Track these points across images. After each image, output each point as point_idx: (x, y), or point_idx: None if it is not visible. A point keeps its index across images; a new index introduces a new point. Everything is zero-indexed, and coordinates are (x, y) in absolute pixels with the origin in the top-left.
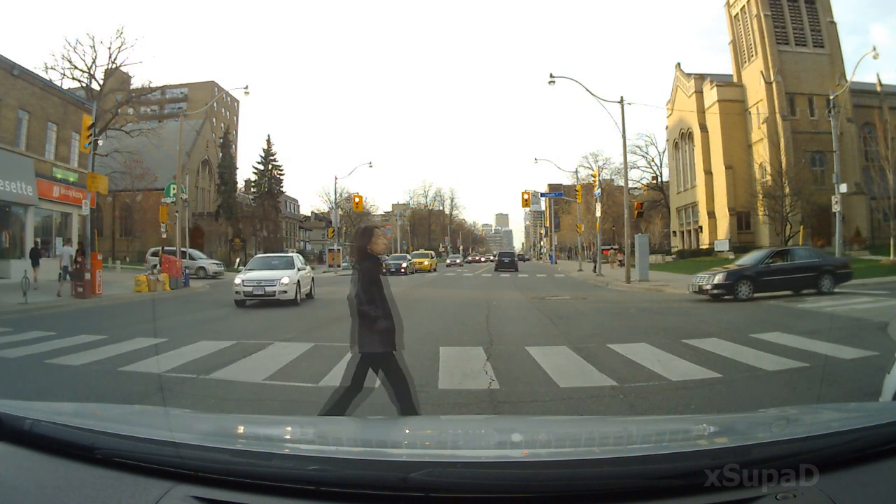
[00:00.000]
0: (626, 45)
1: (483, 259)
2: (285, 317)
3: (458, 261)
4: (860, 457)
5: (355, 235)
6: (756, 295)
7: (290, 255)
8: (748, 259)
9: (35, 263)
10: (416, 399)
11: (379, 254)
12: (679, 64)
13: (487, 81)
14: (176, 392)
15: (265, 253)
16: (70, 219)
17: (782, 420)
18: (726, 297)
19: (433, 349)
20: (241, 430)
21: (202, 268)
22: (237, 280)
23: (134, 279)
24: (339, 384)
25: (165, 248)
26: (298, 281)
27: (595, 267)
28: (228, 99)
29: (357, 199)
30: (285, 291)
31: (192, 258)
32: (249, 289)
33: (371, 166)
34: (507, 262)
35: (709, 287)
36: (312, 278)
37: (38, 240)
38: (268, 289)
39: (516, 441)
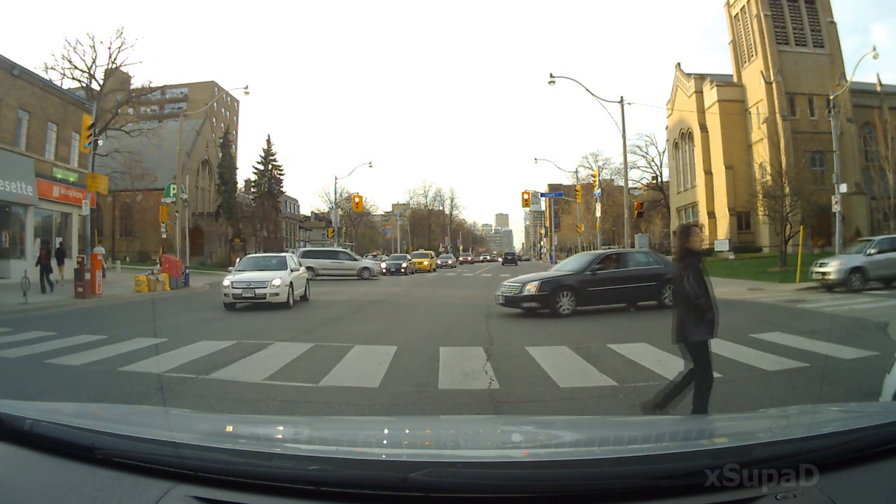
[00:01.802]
0: (626, 45)
1: (472, 259)
2: (285, 317)
3: (449, 261)
4: (860, 457)
5: (676, 236)
6: (581, 308)
7: (283, 255)
8: (571, 263)
9: (60, 262)
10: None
11: (697, 250)
12: (679, 64)
13: (487, 82)
14: (176, 392)
15: (265, 253)
16: (70, 219)
17: (782, 420)
18: (542, 310)
19: (433, 349)
20: (241, 430)
21: (366, 268)
22: (225, 282)
23: (134, 279)
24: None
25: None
26: (291, 283)
27: None
28: (228, 99)
29: (357, 199)
30: (277, 294)
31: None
32: (238, 291)
33: (371, 166)
34: (510, 259)
35: (519, 298)
36: (307, 279)
37: (61, 239)
38: (258, 291)
39: (516, 441)
